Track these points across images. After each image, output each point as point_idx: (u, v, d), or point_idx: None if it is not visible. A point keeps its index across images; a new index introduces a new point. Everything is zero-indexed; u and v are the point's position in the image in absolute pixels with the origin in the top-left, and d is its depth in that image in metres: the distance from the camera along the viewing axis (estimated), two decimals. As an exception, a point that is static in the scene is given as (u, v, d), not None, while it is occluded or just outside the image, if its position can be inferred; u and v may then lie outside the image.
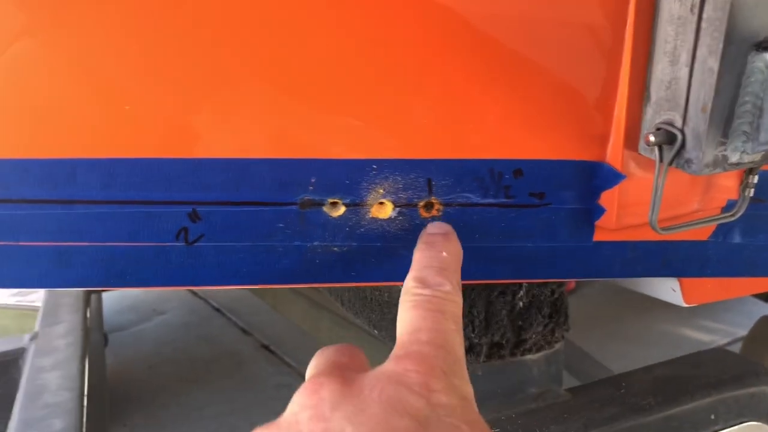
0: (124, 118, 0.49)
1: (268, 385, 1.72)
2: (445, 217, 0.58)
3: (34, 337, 1.06)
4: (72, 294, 1.27)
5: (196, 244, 0.54)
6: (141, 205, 0.52)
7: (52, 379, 0.89)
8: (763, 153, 0.53)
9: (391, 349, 0.43)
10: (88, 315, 1.20)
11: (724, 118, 0.52)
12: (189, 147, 0.51)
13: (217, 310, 2.18)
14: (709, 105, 0.51)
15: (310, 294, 1.94)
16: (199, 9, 0.48)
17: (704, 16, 0.50)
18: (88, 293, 1.37)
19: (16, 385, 0.94)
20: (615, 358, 1.69)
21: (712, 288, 0.72)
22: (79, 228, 0.52)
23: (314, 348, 0.48)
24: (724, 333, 1.94)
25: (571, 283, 2.11)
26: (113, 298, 2.21)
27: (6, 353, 1.05)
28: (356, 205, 0.55)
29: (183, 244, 0.54)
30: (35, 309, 1.52)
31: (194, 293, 2.29)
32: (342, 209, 0.55)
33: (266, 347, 1.91)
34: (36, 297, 1.65)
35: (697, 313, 2.04)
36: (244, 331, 2.02)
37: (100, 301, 1.76)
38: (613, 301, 2.11)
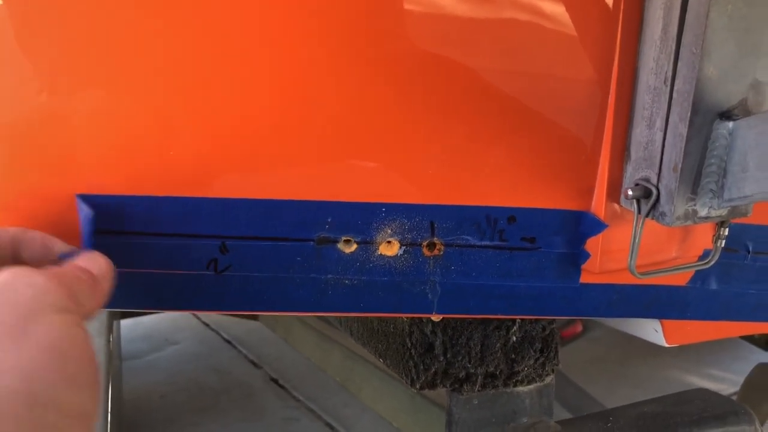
0: (169, 162, 0.57)
1: (276, 418, 1.76)
2: (445, 257, 0.64)
3: (60, 359, 1.11)
4: (96, 319, 1.32)
5: (224, 273, 0.61)
6: (178, 238, 0.59)
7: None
8: (728, 208, 0.60)
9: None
10: (110, 340, 1.26)
11: (693, 177, 0.59)
12: (222, 188, 0.58)
13: (228, 342, 2.23)
14: (680, 165, 0.58)
15: (321, 328, 1.99)
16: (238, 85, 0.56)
17: (675, 87, 0.58)
18: (111, 319, 1.43)
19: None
20: (621, 402, 1.71)
21: (692, 330, 0.78)
22: (126, 257, 0.59)
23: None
24: (732, 382, 1.94)
25: (579, 326, 2.14)
26: (127, 326, 2.25)
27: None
28: (366, 243, 0.62)
29: (213, 273, 0.61)
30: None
31: (206, 324, 2.34)
32: (354, 246, 0.62)
33: (275, 381, 1.95)
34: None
35: (705, 361, 2.05)
36: (254, 363, 2.07)
37: (118, 328, 1.80)
38: (621, 345, 2.12)
